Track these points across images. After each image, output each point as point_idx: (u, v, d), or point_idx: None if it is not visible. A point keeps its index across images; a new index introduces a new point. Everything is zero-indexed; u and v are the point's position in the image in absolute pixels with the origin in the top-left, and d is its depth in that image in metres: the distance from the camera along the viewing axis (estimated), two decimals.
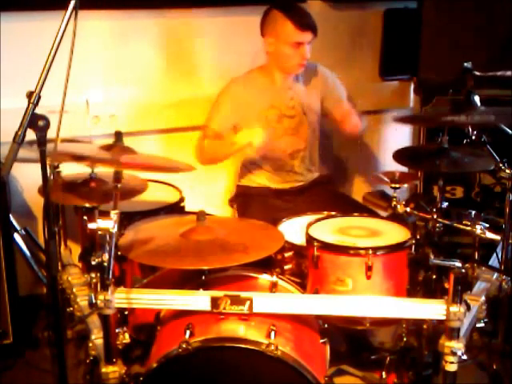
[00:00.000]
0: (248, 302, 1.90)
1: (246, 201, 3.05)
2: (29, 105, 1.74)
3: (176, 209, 2.77)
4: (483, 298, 2.26)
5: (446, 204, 2.59)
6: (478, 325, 2.23)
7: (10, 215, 2.90)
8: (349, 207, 2.77)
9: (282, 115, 3.01)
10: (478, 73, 2.70)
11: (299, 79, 3.05)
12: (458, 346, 1.85)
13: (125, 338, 2.04)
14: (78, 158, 2.08)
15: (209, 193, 3.60)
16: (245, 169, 3.15)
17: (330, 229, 2.33)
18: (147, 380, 1.93)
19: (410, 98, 4.03)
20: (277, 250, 2.20)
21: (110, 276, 1.85)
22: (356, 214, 2.49)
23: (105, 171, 2.32)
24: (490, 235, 2.38)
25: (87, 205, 2.43)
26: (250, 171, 3.12)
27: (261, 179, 3.10)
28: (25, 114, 1.74)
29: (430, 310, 1.89)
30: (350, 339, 2.74)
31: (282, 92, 3.02)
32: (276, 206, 2.97)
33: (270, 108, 2.99)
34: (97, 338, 2.07)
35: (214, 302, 1.90)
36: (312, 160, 3.16)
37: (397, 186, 2.58)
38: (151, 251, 2.13)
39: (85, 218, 2.48)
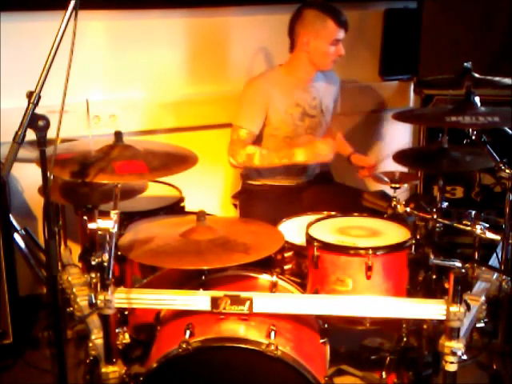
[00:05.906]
0: (248, 302, 1.90)
1: (249, 198, 3.04)
2: (29, 105, 1.74)
3: (176, 209, 2.77)
4: (483, 298, 2.25)
5: (445, 204, 2.59)
6: (478, 325, 2.23)
7: (10, 215, 2.90)
8: (351, 201, 2.77)
9: (305, 114, 3.02)
10: (477, 75, 2.70)
11: (319, 78, 3.06)
12: (458, 345, 1.85)
13: (125, 337, 2.04)
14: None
15: (209, 193, 3.60)
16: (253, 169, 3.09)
17: (330, 229, 2.33)
18: (147, 380, 1.93)
19: (410, 98, 4.04)
20: (277, 250, 2.20)
21: (110, 276, 1.85)
22: (356, 213, 2.49)
23: None
24: (489, 235, 2.37)
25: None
26: (260, 172, 3.08)
27: (269, 180, 3.08)
28: (25, 114, 1.74)
29: (430, 309, 1.89)
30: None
31: (306, 90, 3.03)
32: (280, 202, 2.96)
33: (295, 106, 3.00)
34: (97, 338, 2.07)
35: (214, 301, 1.90)
36: None
37: (397, 185, 2.57)
38: (151, 251, 2.12)
39: (85, 218, 2.47)
